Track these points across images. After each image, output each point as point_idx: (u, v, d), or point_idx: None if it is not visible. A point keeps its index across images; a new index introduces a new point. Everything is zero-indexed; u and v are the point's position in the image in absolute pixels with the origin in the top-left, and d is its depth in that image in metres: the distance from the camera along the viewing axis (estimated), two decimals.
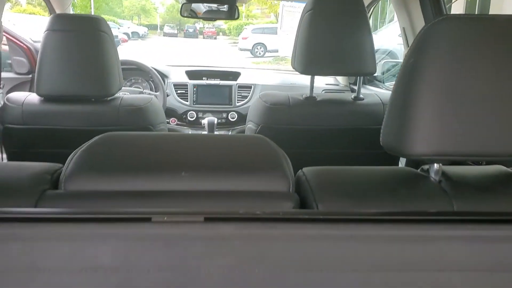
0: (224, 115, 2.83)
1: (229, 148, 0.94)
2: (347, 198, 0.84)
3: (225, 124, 2.83)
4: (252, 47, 19.45)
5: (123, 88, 2.29)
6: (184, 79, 2.93)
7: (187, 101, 2.84)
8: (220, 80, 2.94)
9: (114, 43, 1.68)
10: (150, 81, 2.84)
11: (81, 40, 1.61)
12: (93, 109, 1.69)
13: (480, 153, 0.78)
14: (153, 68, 2.65)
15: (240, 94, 2.88)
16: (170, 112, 2.79)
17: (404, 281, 0.60)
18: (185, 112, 2.81)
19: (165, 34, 33.90)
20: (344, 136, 1.81)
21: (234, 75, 3.05)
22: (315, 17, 1.68)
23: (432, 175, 0.87)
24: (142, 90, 2.71)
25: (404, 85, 0.81)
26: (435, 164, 0.86)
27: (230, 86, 2.88)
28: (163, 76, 2.87)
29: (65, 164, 0.86)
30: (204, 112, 2.82)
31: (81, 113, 1.67)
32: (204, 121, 2.58)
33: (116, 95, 1.72)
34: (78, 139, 1.02)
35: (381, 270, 0.60)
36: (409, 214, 0.70)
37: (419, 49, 0.79)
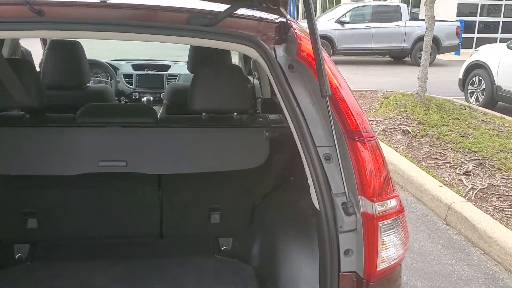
0: (158, 95, 4.14)
1: None
2: None
3: (158, 101, 4.15)
4: None
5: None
6: (130, 70, 4.22)
7: (132, 85, 4.13)
8: (156, 70, 4.25)
9: (85, 56, 2.93)
10: (106, 72, 4.10)
11: (67, 58, 2.80)
12: (74, 93, 2.93)
13: (218, 109, 2.20)
14: (108, 64, 3.93)
15: (169, 80, 4.21)
16: (120, 93, 4.07)
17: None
18: (131, 93, 4.10)
19: None
20: None
21: (166, 67, 4.37)
22: None
23: (202, 117, 2.23)
24: (101, 79, 3.98)
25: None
26: (203, 113, 2.24)
27: (162, 75, 4.20)
28: (115, 68, 4.15)
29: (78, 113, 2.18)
30: (144, 93, 4.12)
31: (69, 95, 2.90)
32: (144, 99, 3.90)
33: (87, 84, 2.99)
34: (69, 111, 2.27)
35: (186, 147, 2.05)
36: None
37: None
